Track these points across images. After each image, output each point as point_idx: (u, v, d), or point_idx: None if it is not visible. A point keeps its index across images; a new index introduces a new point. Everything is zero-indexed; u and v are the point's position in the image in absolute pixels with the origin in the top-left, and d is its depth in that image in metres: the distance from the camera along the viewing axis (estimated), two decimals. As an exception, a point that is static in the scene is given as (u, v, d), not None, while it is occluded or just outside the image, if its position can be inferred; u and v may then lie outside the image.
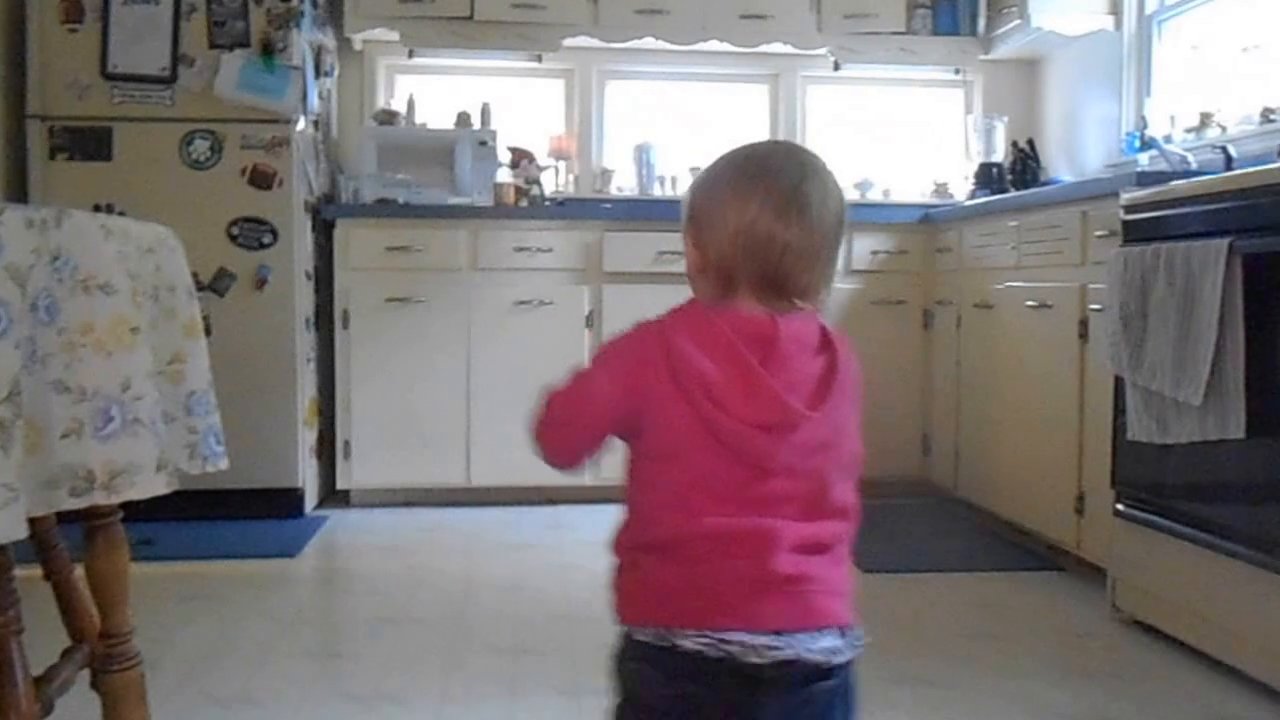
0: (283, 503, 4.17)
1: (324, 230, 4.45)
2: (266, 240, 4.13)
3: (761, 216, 1.24)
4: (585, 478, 4.41)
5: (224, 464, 1.81)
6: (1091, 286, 3.31)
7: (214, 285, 4.11)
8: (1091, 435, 3.32)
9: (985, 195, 4.86)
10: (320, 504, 4.45)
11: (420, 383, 4.40)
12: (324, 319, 4.49)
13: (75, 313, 1.34)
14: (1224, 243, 2.52)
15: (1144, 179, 3.11)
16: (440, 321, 4.40)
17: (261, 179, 4.14)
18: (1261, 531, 2.47)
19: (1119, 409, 3.01)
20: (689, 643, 1.16)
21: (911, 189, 5.34)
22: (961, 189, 5.26)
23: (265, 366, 4.13)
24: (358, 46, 5.00)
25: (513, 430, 4.34)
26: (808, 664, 1.17)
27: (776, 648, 1.16)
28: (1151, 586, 2.92)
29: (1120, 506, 3.04)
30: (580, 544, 3.90)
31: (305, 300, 4.26)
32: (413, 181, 4.62)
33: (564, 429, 1.33)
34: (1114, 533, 3.08)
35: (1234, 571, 2.56)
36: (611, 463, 4.15)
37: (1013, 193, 4.84)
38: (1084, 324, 3.37)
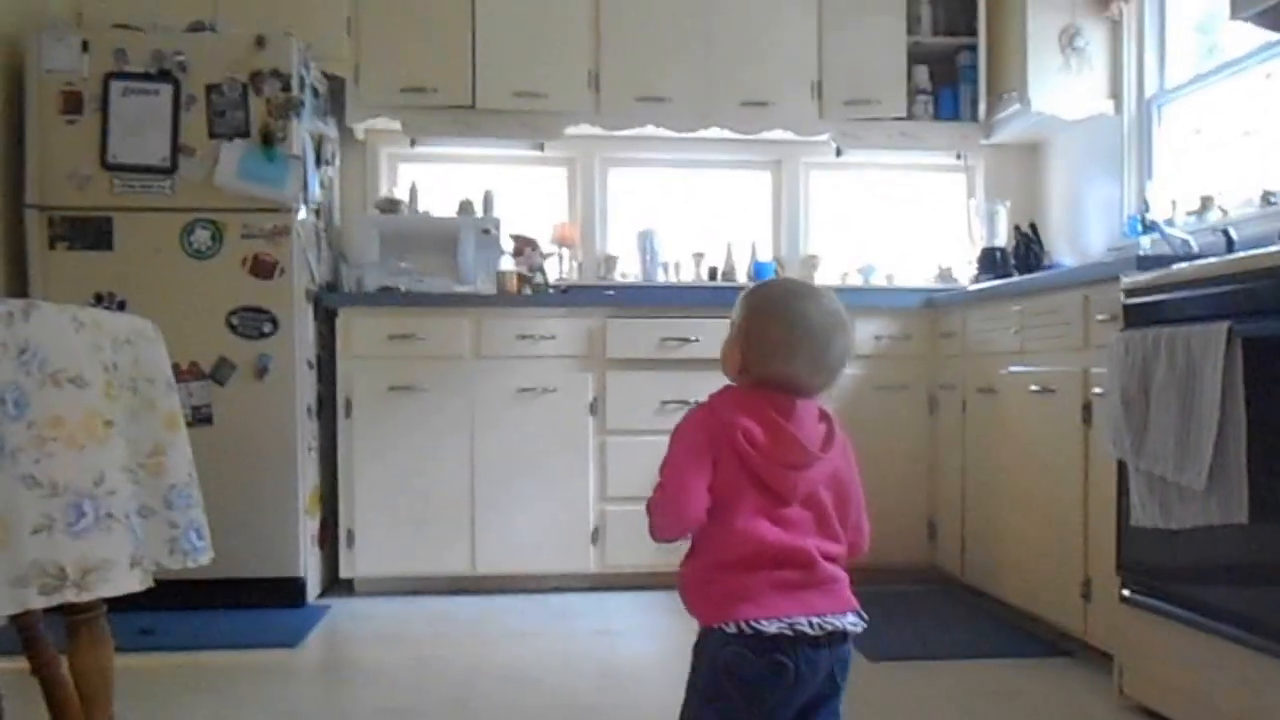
0: (284, 592, 4.14)
1: (326, 319, 4.47)
2: (267, 329, 4.15)
3: (800, 370, 1.73)
4: (590, 565, 4.41)
5: (206, 559, 1.78)
6: (1094, 370, 3.31)
7: (215, 374, 4.12)
8: (1097, 520, 3.29)
9: (989, 279, 4.88)
10: (323, 593, 4.42)
11: (424, 470, 4.39)
12: (326, 407, 4.49)
13: (45, 406, 1.34)
14: (1223, 326, 2.52)
15: (1144, 263, 3.11)
16: (443, 409, 4.40)
17: (263, 268, 4.16)
18: (1266, 616, 2.44)
19: (1122, 494, 2.98)
20: (771, 628, 1.65)
21: (915, 274, 5.36)
22: (965, 273, 5.28)
23: (266, 455, 4.13)
24: (360, 135, 5.07)
25: (518, 517, 4.45)
26: (843, 632, 1.72)
27: (827, 624, 1.69)
28: (1158, 672, 2.88)
29: (1126, 592, 3.01)
30: (587, 634, 3.84)
31: (307, 389, 4.26)
32: (415, 270, 4.66)
33: (679, 516, 1.70)
34: (1120, 618, 3.04)
35: (1238, 656, 2.53)
36: (615, 550, 4.11)
37: (1015, 277, 4.86)
38: (1087, 408, 3.35)
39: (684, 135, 5.04)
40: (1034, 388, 3.68)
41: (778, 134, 5.04)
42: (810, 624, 1.68)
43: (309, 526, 4.25)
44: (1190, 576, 2.74)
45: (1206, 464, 2.54)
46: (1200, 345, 2.59)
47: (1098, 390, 3.25)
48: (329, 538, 4.48)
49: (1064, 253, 5.06)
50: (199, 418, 4.05)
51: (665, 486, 1.70)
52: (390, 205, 4.85)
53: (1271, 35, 3.67)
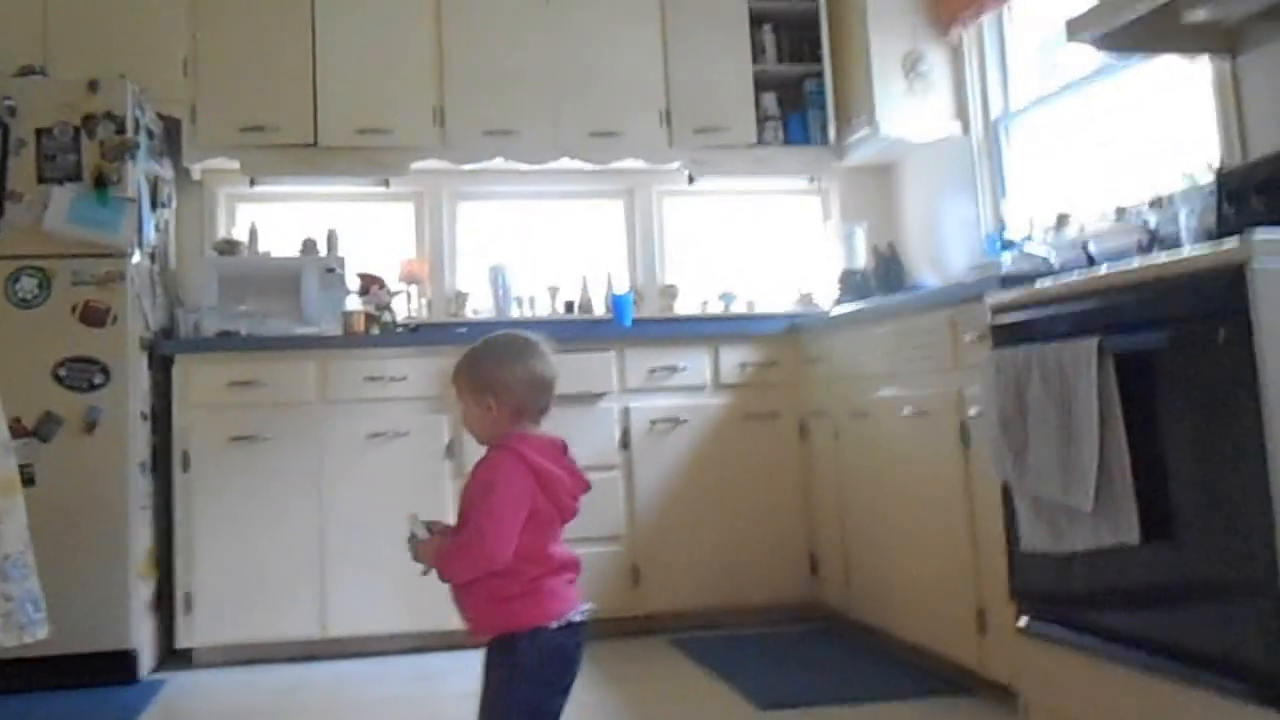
0: (114, 668, 3.77)
1: (162, 367, 4.15)
2: (98, 380, 3.84)
3: (538, 366, 2.15)
4: (452, 621, 4.13)
5: (43, 633, 1.53)
6: (968, 390, 3.22)
7: (38, 431, 3.78)
8: (986, 546, 3.16)
9: (850, 301, 4.83)
10: (158, 666, 4.06)
11: (269, 526, 4.09)
12: (162, 462, 4.15)
13: None
14: (1093, 342, 2.46)
15: (1008, 281, 3.06)
16: (289, 459, 4.12)
17: (93, 316, 3.87)
18: (1167, 638, 2.35)
19: (1010, 518, 2.88)
20: (577, 617, 2.07)
21: (776, 300, 5.28)
22: (826, 297, 5.22)
23: (95, 517, 3.78)
24: (196, 176, 4.78)
25: (372, 573, 4.18)
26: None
27: (586, 612, 2.09)
28: (1063, 704, 2.75)
29: (1022, 622, 2.89)
30: (453, 696, 3.54)
31: (140, 442, 3.94)
32: (257, 312, 4.38)
33: (492, 560, 2.01)
34: (1019, 650, 2.91)
35: (1143, 682, 2.43)
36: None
37: (877, 298, 4.80)
38: (964, 429, 3.26)
39: (534, 167, 4.87)
40: (907, 411, 3.59)
41: (629, 163, 4.91)
42: (582, 612, 2.07)
43: (142, 593, 3.90)
44: (1087, 601, 2.64)
45: (1092, 484, 2.45)
46: (1072, 362, 2.52)
47: (973, 411, 3.17)
48: (164, 604, 4.12)
49: (926, 272, 5.03)
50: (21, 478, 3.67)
51: (485, 535, 1.99)
52: (229, 247, 4.57)
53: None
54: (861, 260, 5.07)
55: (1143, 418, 2.37)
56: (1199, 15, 3.05)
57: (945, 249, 4.95)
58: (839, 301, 4.97)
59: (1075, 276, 2.67)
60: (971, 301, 3.19)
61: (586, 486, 2.12)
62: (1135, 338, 2.38)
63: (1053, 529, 2.63)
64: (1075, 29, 3.20)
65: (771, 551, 4.38)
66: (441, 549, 2.05)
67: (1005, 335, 2.88)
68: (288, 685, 3.79)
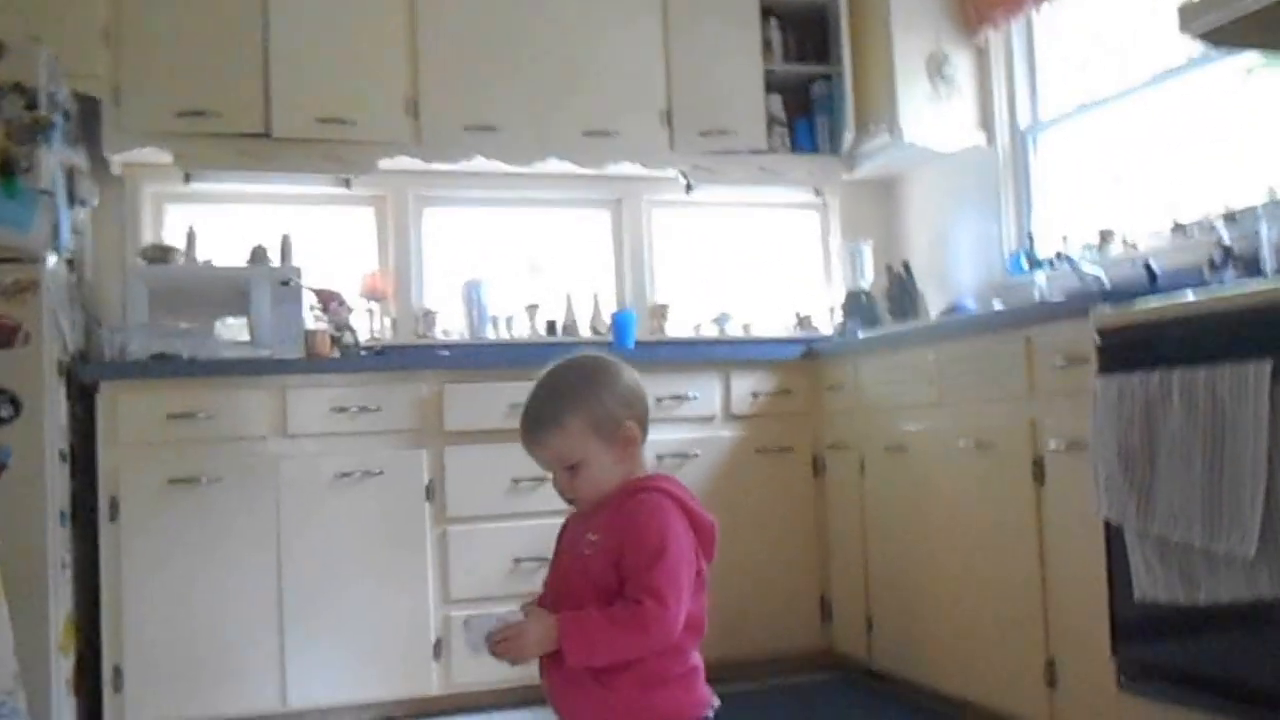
0: (31, 759, 3.13)
1: (83, 398, 3.64)
2: (5, 413, 3.29)
3: (635, 376, 1.84)
4: (434, 686, 3.63)
5: None
6: (1045, 421, 2.98)
7: (-68, 476, 3.24)
8: (1059, 592, 2.95)
9: (857, 325, 4.56)
10: (82, 755, 3.53)
11: (216, 583, 3.59)
12: (84, 511, 3.60)
13: None
14: (1265, 365, 2.20)
15: (1111, 298, 2.80)
16: (240, 505, 3.63)
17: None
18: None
19: (1114, 564, 2.64)
20: (716, 702, 1.74)
21: (774, 323, 4.94)
22: (825, 320, 4.93)
23: (5, 577, 3.10)
24: (116, 170, 4.23)
25: (340, 635, 3.61)
26: None
27: None
28: None
29: (1125, 679, 2.65)
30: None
31: (60, 488, 3.40)
32: (198, 332, 3.89)
33: (672, 632, 1.65)
34: (1118, 709, 2.67)
35: None
36: (463, 665, 3.26)
37: (889, 322, 4.60)
38: (1039, 464, 3.00)
39: (518, 170, 4.44)
40: (963, 444, 3.31)
41: (622, 168, 4.55)
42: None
43: (62, 668, 3.34)
44: (1212, 657, 2.39)
45: (1255, 527, 2.18)
46: (1233, 387, 2.26)
47: (1053, 444, 2.93)
48: (89, 681, 3.54)
49: (931, 294, 4.66)
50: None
51: (668, 602, 1.64)
52: (161, 254, 4.07)
53: (1166, 63, 3.55)
54: (869, 281, 4.67)
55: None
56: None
57: (954, 270, 4.71)
58: (844, 326, 4.67)
59: (1234, 290, 2.44)
60: (1053, 320, 2.96)
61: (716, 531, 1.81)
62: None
63: (1185, 578, 2.38)
64: (1189, 17, 2.94)
65: (780, 596, 4.07)
66: (587, 622, 1.64)
67: (1122, 358, 2.62)
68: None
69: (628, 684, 1.66)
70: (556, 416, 1.76)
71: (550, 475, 1.81)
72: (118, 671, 3.47)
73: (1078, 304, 2.88)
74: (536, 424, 1.77)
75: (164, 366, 3.66)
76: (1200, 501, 2.30)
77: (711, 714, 1.72)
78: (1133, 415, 2.49)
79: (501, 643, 1.63)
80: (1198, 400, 2.32)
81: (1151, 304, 2.60)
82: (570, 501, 1.80)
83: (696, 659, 1.74)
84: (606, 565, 1.69)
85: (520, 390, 3.69)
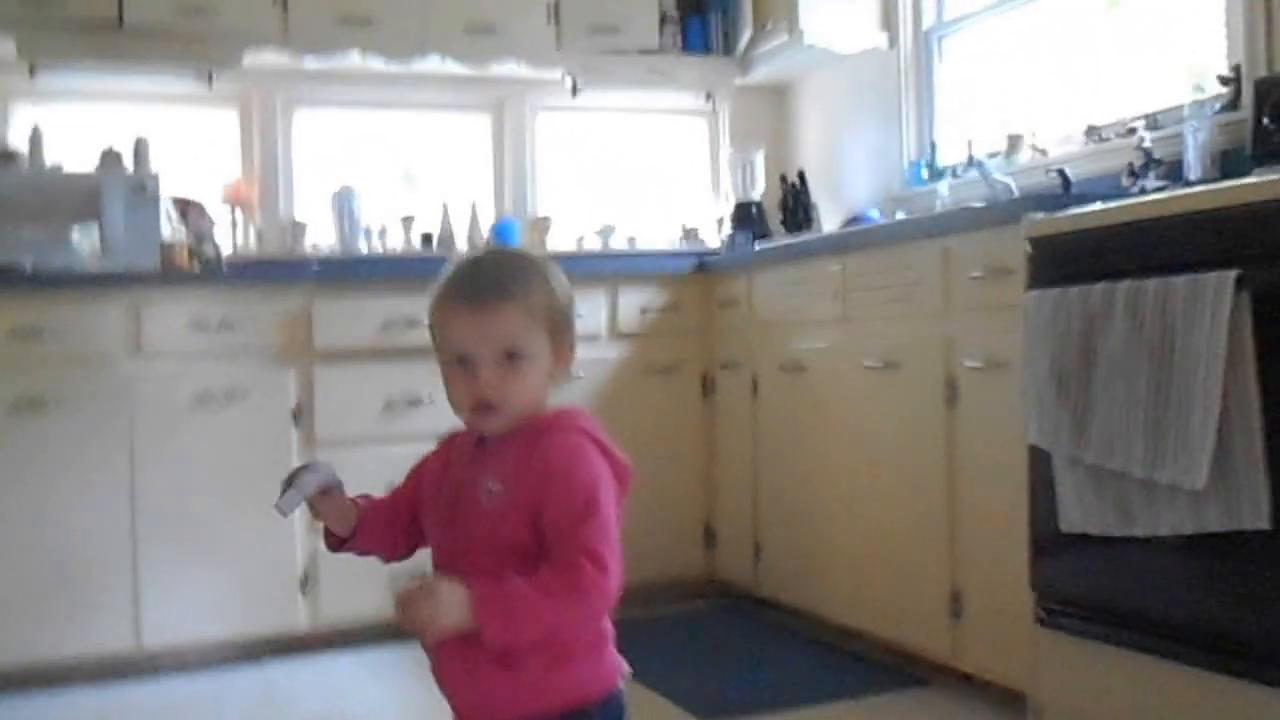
0: None
1: None
2: None
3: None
4: (301, 622, 3.40)
5: None
6: (960, 339, 2.78)
7: None
8: (968, 522, 2.79)
9: (747, 238, 4.33)
10: (-86, 699, 3.16)
11: (63, 515, 3.25)
12: None
13: None
14: (1228, 276, 1.97)
15: (1043, 205, 2.56)
16: (90, 430, 3.28)
17: None
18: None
19: (1036, 492, 2.45)
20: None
21: (658, 235, 4.68)
22: (713, 233, 4.68)
23: None
24: None
25: (199, 569, 3.25)
26: None
27: None
28: (1086, 706, 2.39)
29: (1044, 613, 2.47)
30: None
31: None
32: (43, 241, 3.50)
33: (617, 590, 1.38)
34: (1038, 647, 2.51)
35: (1196, 682, 2.11)
36: (333, 599, 2.99)
37: (781, 235, 4.36)
38: (951, 384, 2.81)
39: (394, 68, 4.09)
40: (870, 363, 3.10)
41: (506, 69, 4.19)
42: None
43: None
44: (1141, 591, 2.24)
45: (1206, 456, 1.99)
46: (1187, 301, 2.04)
47: (970, 363, 2.73)
48: None
49: (826, 206, 4.49)
50: None
51: (609, 566, 1.35)
52: (3, 158, 3.66)
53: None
54: (760, 191, 4.46)
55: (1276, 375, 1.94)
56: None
57: (852, 180, 4.45)
58: (733, 239, 4.43)
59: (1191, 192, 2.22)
60: (973, 230, 2.74)
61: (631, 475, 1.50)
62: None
63: (1120, 509, 2.20)
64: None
65: (665, 522, 3.85)
66: (512, 595, 1.31)
67: (1057, 271, 2.40)
68: (93, 713, 3.05)
69: (534, 663, 1.37)
70: (518, 288, 1.42)
71: (453, 373, 1.42)
72: (-48, 612, 3.13)
73: (1001, 212, 2.66)
74: (493, 288, 1.40)
75: (4, 279, 3.27)
76: (1142, 427, 2.10)
77: (623, 684, 1.47)
78: (1069, 332, 2.27)
79: (409, 606, 1.29)
80: (1145, 316, 2.11)
81: (1095, 209, 2.36)
82: (478, 410, 1.41)
83: (606, 624, 1.47)
84: (520, 523, 1.37)
85: (396, 306, 3.48)
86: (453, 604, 1.28)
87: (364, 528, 1.52)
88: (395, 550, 1.56)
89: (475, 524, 1.41)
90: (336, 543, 1.54)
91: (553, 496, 1.36)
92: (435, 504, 1.49)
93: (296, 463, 3.35)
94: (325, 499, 1.49)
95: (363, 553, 1.55)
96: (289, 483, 1.46)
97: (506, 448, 1.42)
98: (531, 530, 1.37)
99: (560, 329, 1.45)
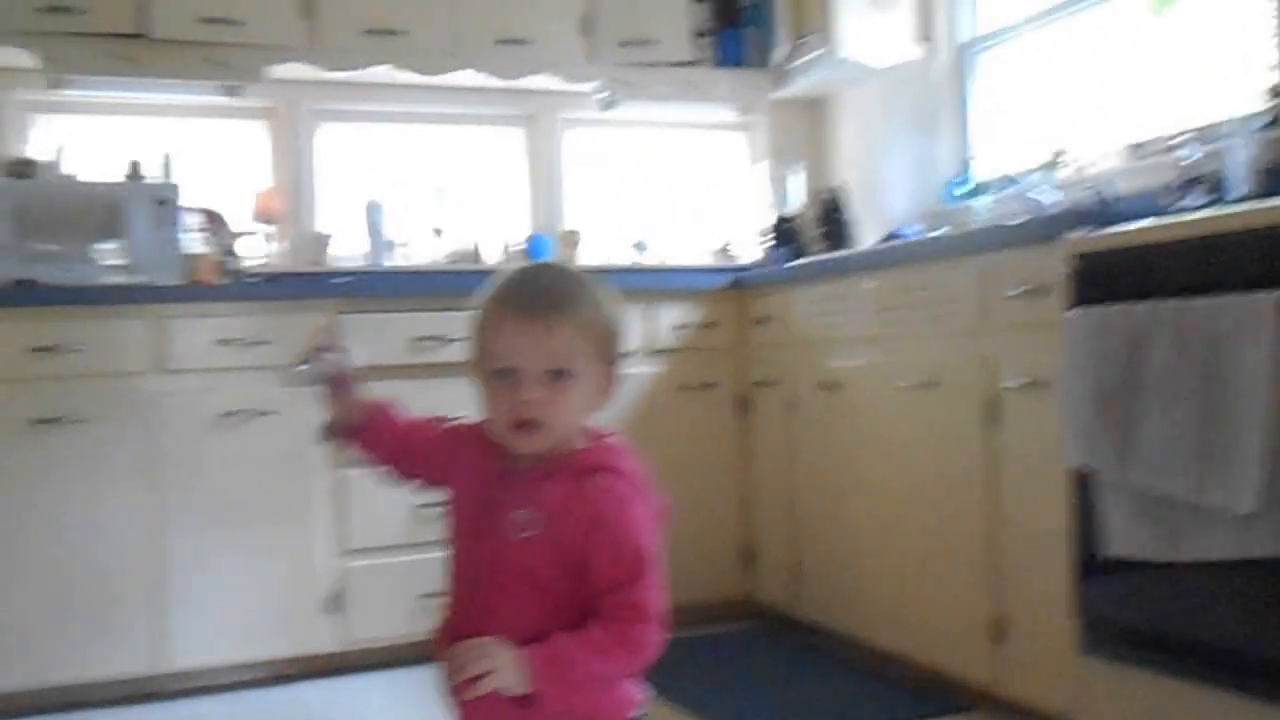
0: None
1: None
2: None
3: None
4: (329, 642, 3.34)
5: None
6: (1003, 358, 2.71)
7: None
8: (1011, 544, 2.71)
9: (784, 255, 4.27)
10: (-63, 722, 3.14)
11: (88, 534, 3.20)
12: None
13: None
14: (1275, 296, 1.93)
15: (1082, 222, 2.49)
16: (114, 448, 3.23)
17: None
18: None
19: (1085, 515, 2.38)
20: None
21: (692, 251, 4.62)
22: (748, 249, 4.61)
23: None
24: None
25: (226, 589, 3.19)
26: None
27: None
28: None
29: (1088, 639, 2.42)
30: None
31: None
32: (65, 255, 3.46)
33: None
34: (1082, 674, 2.45)
35: (1246, 711, 2.05)
36: (362, 619, 2.95)
37: (818, 251, 4.29)
38: (991, 404, 2.74)
39: (424, 80, 4.04)
40: (904, 382, 3.04)
41: (537, 81, 4.15)
42: None
43: None
44: (1192, 620, 2.17)
45: (1257, 479, 1.92)
46: (1233, 322, 1.99)
47: (1010, 383, 2.66)
48: None
49: (864, 222, 4.42)
50: None
51: (656, 623, 1.37)
52: (24, 168, 3.61)
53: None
54: (797, 207, 4.38)
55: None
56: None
57: (890, 195, 4.37)
58: (772, 255, 4.35)
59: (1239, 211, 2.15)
60: (1010, 247, 2.68)
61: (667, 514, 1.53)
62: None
63: (1169, 533, 2.13)
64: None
65: (701, 542, 3.79)
66: (567, 659, 1.30)
67: (1100, 289, 2.33)
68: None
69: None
70: (573, 304, 1.38)
71: (494, 387, 1.38)
72: (-25, 633, 3.10)
73: (1039, 229, 2.60)
74: (548, 301, 1.37)
75: (25, 294, 3.24)
76: (1189, 449, 2.05)
77: (640, 714, 1.47)
78: (1111, 352, 2.22)
79: (466, 683, 1.27)
80: (1190, 336, 2.06)
81: (1136, 227, 2.31)
82: (520, 428, 1.36)
83: None
84: (556, 563, 1.35)
85: (424, 321, 3.45)
86: (510, 669, 1.27)
87: (374, 430, 1.52)
88: (396, 468, 1.54)
89: (505, 552, 1.37)
90: (338, 434, 1.52)
91: (601, 549, 1.34)
92: (467, 505, 1.45)
93: (325, 482, 3.37)
94: (340, 387, 1.49)
95: (363, 452, 1.54)
96: (307, 359, 1.46)
97: (543, 480, 1.38)
98: (565, 570, 1.35)
99: (609, 353, 1.42)
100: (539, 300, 1.37)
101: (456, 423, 1.54)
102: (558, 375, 1.36)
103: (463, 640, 1.32)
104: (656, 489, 1.45)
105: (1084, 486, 2.35)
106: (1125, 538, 2.22)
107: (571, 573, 1.34)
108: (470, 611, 1.40)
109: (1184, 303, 2.08)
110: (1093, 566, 2.36)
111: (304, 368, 1.45)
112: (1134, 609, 2.29)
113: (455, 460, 1.48)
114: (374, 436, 1.52)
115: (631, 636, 1.34)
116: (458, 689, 1.29)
